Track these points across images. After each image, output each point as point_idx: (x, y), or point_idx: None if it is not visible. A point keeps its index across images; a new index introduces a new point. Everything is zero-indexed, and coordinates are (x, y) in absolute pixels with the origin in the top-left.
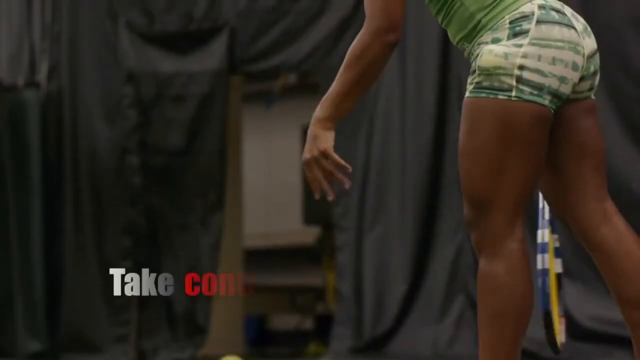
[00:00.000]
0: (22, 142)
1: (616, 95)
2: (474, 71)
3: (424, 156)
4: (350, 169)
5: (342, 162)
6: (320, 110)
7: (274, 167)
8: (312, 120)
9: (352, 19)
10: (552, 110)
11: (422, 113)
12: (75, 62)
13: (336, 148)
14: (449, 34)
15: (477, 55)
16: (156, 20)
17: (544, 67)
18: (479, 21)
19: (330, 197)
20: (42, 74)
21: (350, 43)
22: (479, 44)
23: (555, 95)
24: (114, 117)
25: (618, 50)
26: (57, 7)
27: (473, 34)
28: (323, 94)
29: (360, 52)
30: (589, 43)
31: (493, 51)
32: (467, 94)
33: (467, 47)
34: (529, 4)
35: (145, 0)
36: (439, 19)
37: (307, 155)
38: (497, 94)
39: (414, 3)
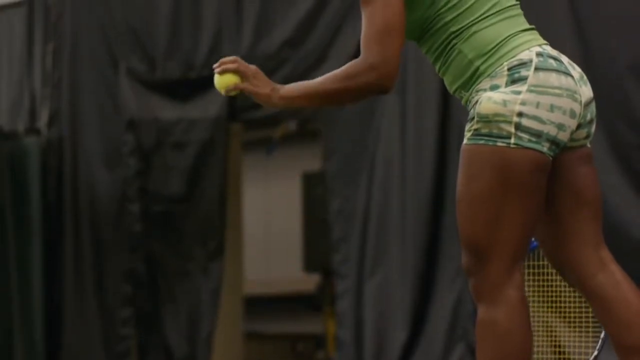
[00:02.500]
0: (23, 188)
1: (615, 141)
2: (472, 118)
3: (424, 204)
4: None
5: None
6: (285, 88)
7: (274, 214)
8: (277, 88)
9: None
10: (550, 157)
11: (422, 160)
12: (76, 108)
13: (337, 194)
14: (446, 82)
15: (476, 102)
16: (157, 67)
17: (543, 114)
18: (477, 68)
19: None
20: (42, 121)
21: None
22: (477, 91)
23: (553, 142)
24: (115, 164)
25: (618, 96)
26: (58, 54)
27: (471, 81)
28: (323, 141)
29: (350, 74)
30: (586, 91)
31: (492, 98)
32: (465, 140)
33: (465, 95)
34: (527, 52)
35: (146, 47)
36: (436, 67)
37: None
38: (495, 141)
39: (413, 47)
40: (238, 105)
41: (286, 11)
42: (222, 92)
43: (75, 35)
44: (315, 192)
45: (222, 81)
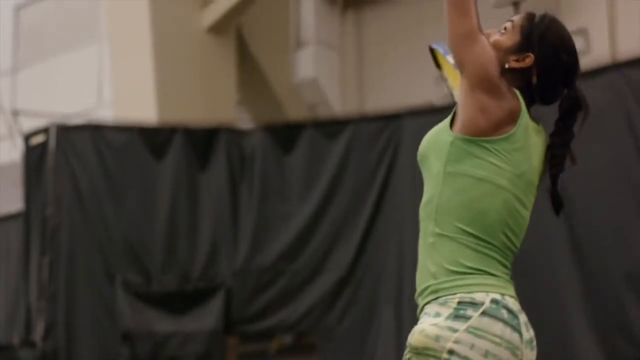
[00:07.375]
0: None
1: (612, 355)
2: (407, 346)
3: None
4: None
5: None
6: None
7: None
8: None
9: (348, 280)
10: None
11: None
12: (72, 321)
13: None
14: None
15: (412, 331)
16: (153, 280)
17: (475, 356)
18: (432, 283)
19: None
20: (38, 333)
21: (346, 304)
22: (424, 314)
23: None
24: None
25: (612, 308)
26: (54, 267)
27: (424, 294)
28: (319, 354)
29: None
30: (529, 355)
31: (424, 331)
32: None
33: (419, 305)
34: (483, 294)
35: (142, 260)
36: (420, 246)
37: None
38: None
39: (411, 254)
40: (234, 318)
41: (281, 225)
42: None
43: (71, 248)
44: None
45: None
